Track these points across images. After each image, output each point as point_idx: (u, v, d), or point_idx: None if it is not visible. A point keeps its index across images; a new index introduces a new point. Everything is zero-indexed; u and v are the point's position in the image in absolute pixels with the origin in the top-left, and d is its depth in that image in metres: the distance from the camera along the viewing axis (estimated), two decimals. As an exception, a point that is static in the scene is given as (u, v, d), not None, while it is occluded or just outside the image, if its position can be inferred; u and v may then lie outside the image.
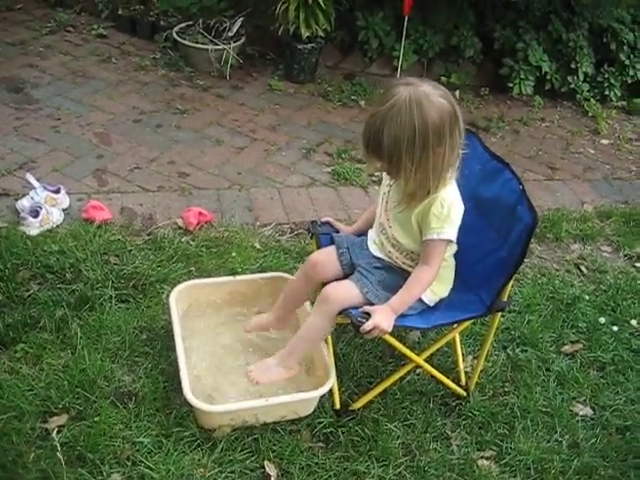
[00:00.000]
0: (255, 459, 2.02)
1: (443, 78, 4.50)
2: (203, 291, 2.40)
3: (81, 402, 2.08)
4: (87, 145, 3.43)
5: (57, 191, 2.92)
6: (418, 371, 2.38)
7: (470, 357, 2.48)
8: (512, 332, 2.59)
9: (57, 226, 2.82)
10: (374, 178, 3.51)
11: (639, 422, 2.32)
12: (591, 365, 2.54)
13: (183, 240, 2.84)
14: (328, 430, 2.13)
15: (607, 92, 4.64)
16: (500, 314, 2.16)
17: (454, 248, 2.02)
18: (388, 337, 2.04)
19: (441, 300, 2.11)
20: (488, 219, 2.08)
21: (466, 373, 2.38)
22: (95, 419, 2.03)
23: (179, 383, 2.13)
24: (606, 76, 4.64)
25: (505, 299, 2.08)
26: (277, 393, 2.10)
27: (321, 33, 4.17)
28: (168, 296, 2.37)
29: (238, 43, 4.29)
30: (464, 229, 1.96)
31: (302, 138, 3.80)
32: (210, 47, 4.18)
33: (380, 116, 1.80)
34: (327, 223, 2.32)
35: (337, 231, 2.29)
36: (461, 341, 2.43)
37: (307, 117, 4.03)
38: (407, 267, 2.06)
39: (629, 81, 4.67)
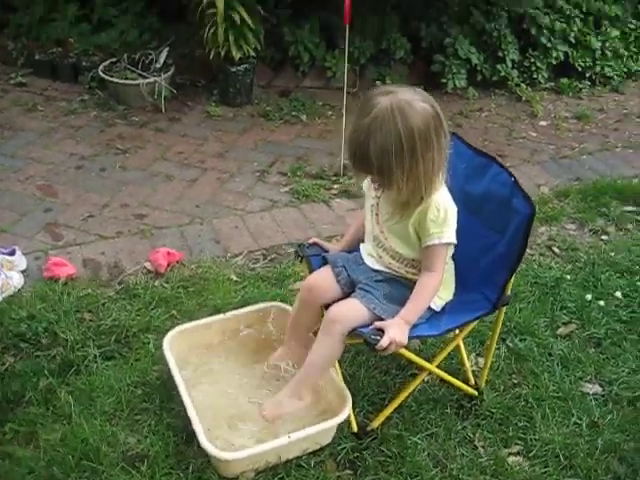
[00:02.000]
0: (286, 500, 1.93)
1: (378, 82, 4.51)
2: (195, 335, 2.28)
3: (89, 475, 1.94)
4: (31, 200, 3.24)
5: (12, 253, 2.74)
6: (427, 378, 2.34)
7: (473, 355, 2.46)
8: (507, 323, 2.58)
9: (19, 290, 2.64)
10: (334, 191, 3.47)
11: (647, 391, 2.37)
12: (588, 343, 2.56)
13: (157, 284, 2.72)
14: (352, 455, 2.06)
15: (535, 76, 4.76)
16: (504, 310, 2.15)
17: (452, 250, 1.98)
18: (403, 350, 1.99)
19: (446, 303, 2.08)
20: (480, 216, 2.05)
21: (473, 372, 2.36)
22: (108, 491, 1.90)
23: (189, 435, 2.04)
24: (532, 60, 4.76)
25: (508, 293, 2.07)
26: (289, 427, 2.00)
27: (252, 53, 4.11)
28: (158, 346, 2.25)
29: (168, 74, 4.17)
30: (457, 230, 1.94)
31: (252, 161, 3.72)
32: (140, 81, 4.05)
33: (363, 129, 1.75)
34: (315, 244, 2.25)
35: (326, 251, 2.23)
36: (463, 340, 2.41)
37: (252, 139, 3.95)
38: (411, 276, 2.02)
39: (554, 62, 4.81)
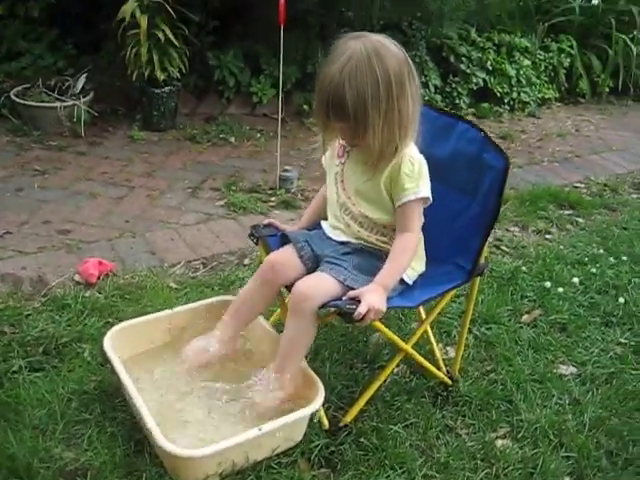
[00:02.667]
0: (257, 505, 1.67)
1: (305, 106, 4.45)
2: (139, 332, 2.01)
3: (20, 494, 1.61)
4: None
5: None
6: (396, 370, 2.17)
7: (441, 345, 2.30)
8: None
9: None
10: (271, 203, 3.31)
11: (619, 368, 2.28)
12: (553, 328, 2.47)
13: (88, 294, 2.42)
14: (327, 452, 1.83)
15: (457, 101, 4.86)
16: (478, 281, 2.02)
17: (426, 205, 1.84)
18: (379, 324, 1.81)
19: (418, 277, 1.93)
20: (447, 180, 1.93)
21: (444, 361, 2.20)
22: (45, 510, 1.58)
23: (138, 443, 1.78)
24: (453, 86, 4.86)
25: (483, 261, 1.95)
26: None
27: (177, 74, 3.96)
28: (94, 356, 2.00)
29: (87, 98, 3.94)
30: None
31: (183, 179, 3.51)
32: (58, 104, 3.79)
33: (337, 73, 1.64)
34: (270, 225, 2.07)
35: (283, 232, 2.04)
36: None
37: (181, 160, 3.75)
38: (381, 244, 1.86)
39: (474, 88, 4.94)
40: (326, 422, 1.89)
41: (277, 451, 1.79)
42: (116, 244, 2.82)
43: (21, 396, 1.90)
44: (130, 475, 1.69)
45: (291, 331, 1.80)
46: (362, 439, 1.87)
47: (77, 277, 2.53)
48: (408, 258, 1.79)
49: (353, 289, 1.76)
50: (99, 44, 4.40)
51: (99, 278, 2.52)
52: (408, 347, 1.94)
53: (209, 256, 2.81)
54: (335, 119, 1.70)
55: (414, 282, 1.92)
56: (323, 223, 2.00)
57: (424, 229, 1.91)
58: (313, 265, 1.88)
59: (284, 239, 1.97)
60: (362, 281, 1.78)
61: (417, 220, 1.79)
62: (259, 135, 4.20)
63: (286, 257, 1.90)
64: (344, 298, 1.73)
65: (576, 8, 5.57)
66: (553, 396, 2.12)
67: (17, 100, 3.85)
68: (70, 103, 3.84)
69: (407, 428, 1.94)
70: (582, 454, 1.89)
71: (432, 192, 1.81)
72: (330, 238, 1.93)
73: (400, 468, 1.79)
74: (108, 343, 1.90)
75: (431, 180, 1.82)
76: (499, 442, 1.92)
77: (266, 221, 2.08)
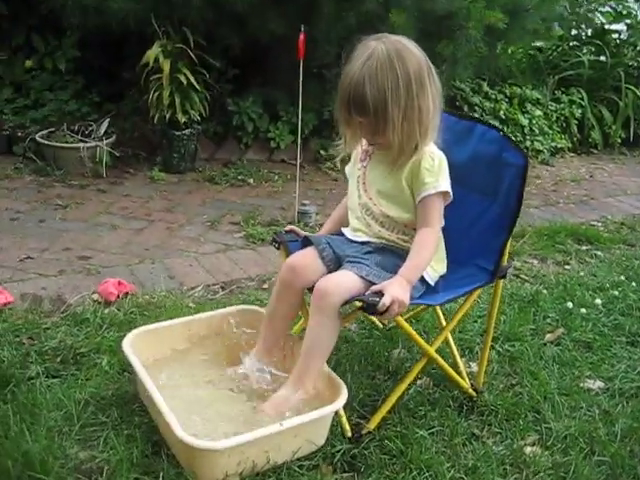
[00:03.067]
0: (278, 507, 1.60)
1: (322, 152, 4.53)
2: (160, 337, 1.99)
3: (34, 489, 1.57)
4: (-42, 246, 2.93)
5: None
6: (419, 383, 2.12)
7: (463, 360, 2.25)
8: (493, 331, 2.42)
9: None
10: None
11: (649, 384, 2.22)
12: (578, 346, 2.42)
13: (106, 311, 2.41)
14: (350, 457, 1.78)
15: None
16: (502, 283, 2.00)
17: (448, 201, 1.85)
18: (403, 322, 1.80)
19: (441, 278, 1.92)
20: (468, 183, 1.95)
21: (467, 374, 2.15)
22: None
23: (155, 445, 1.74)
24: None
25: (505, 263, 1.94)
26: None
27: (197, 118, 4.06)
28: (112, 365, 2.00)
29: (110, 140, 4.04)
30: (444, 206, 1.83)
31: (202, 214, 3.55)
32: (81, 145, 3.89)
33: (358, 70, 1.71)
34: (292, 232, 2.08)
35: (305, 237, 2.04)
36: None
37: (200, 198, 3.80)
38: (402, 243, 1.86)
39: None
40: (348, 428, 1.84)
41: (298, 454, 1.73)
42: (135, 269, 2.83)
43: (37, 400, 1.87)
44: (147, 474, 1.64)
45: (313, 330, 1.77)
46: (386, 443, 1.81)
47: (96, 296, 2.53)
48: (430, 252, 1.78)
49: (375, 285, 1.75)
50: (122, 93, 4.56)
51: (118, 297, 2.52)
52: (432, 349, 1.90)
53: (228, 281, 2.80)
54: (356, 114, 1.74)
55: (436, 283, 1.90)
56: (344, 229, 2.01)
57: (445, 233, 1.91)
58: (335, 266, 1.88)
59: (306, 244, 1.97)
60: (384, 277, 1.77)
61: (437, 215, 1.80)
62: (277, 177, 4.26)
63: (307, 259, 1.89)
64: (367, 292, 1.72)
65: (585, 62, 5.71)
66: (581, 408, 2.05)
67: (41, 141, 3.95)
68: (93, 144, 3.94)
69: (432, 435, 1.88)
70: (616, 462, 1.82)
71: (453, 195, 1.83)
72: (351, 240, 1.93)
73: (427, 471, 1.73)
74: (127, 345, 1.88)
75: (452, 184, 1.83)
76: (528, 449, 1.85)
77: (288, 227, 2.09)
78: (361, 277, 1.77)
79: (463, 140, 1.97)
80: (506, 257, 1.94)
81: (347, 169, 2.04)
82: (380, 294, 1.68)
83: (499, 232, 1.89)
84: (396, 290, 1.67)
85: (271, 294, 1.97)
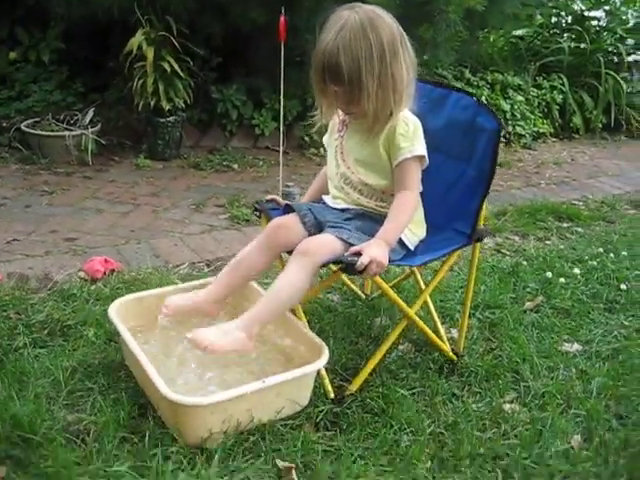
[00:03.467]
0: (264, 461, 1.64)
1: (306, 138, 4.58)
2: (145, 305, 2.02)
3: (23, 448, 1.60)
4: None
5: None
6: (401, 348, 2.17)
7: (444, 327, 2.30)
8: (472, 300, 2.46)
9: None
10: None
11: (624, 345, 2.27)
12: (557, 313, 2.48)
13: (93, 287, 2.45)
14: (333, 417, 1.82)
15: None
16: (479, 248, 2.05)
17: (424, 165, 1.89)
18: (382, 283, 1.84)
19: (420, 242, 1.97)
20: (443, 149, 2.00)
21: (448, 340, 2.20)
22: (47, 463, 1.55)
23: (142, 407, 1.78)
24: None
25: (482, 226, 1.99)
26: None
27: (182, 105, 4.09)
28: (99, 336, 2.06)
29: (95, 129, 4.06)
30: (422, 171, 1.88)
31: (187, 198, 3.58)
32: (67, 134, 3.91)
33: (332, 39, 1.73)
34: (273, 200, 2.12)
35: (286, 204, 2.08)
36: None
37: (185, 183, 3.83)
38: (381, 209, 1.90)
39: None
40: (330, 389, 1.88)
41: (282, 414, 1.77)
42: (121, 249, 2.86)
43: (25, 368, 1.90)
44: (134, 434, 1.68)
45: (285, 276, 1.77)
46: (368, 402, 1.86)
47: (82, 274, 2.56)
48: (407, 215, 1.82)
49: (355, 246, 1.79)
50: (107, 83, 4.58)
51: (105, 274, 2.55)
52: (411, 311, 1.95)
53: (213, 259, 2.84)
54: (331, 83, 1.77)
55: (415, 248, 1.95)
56: (324, 197, 2.05)
57: (423, 198, 1.96)
58: (316, 231, 1.91)
59: (287, 212, 2.01)
60: (364, 240, 1.81)
61: (415, 178, 1.84)
62: (262, 163, 4.30)
63: (290, 222, 1.93)
64: (346, 254, 1.76)
65: (565, 49, 5.78)
66: (559, 368, 2.11)
67: (26, 130, 3.97)
68: (78, 132, 3.95)
69: (413, 395, 1.93)
70: (591, 416, 1.87)
71: (429, 162, 1.87)
72: (332, 207, 1.98)
73: (408, 428, 1.77)
74: (113, 312, 1.92)
75: (428, 150, 1.87)
76: (507, 406, 1.91)
77: (269, 197, 2.13)
78: (342, 240, 1.81)
79: (439, 107, 2.02)
80: (482, 220, 1.98)
81: (325, 139, 2.08)
82: (359, 255, 1.72)
83: (474, 195, 1.93)
84: (374, 250, 1.72)
85: (247, 246, 1.97)
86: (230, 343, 1.71)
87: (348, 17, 1.74)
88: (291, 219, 1.93)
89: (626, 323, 2.43)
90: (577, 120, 5.74)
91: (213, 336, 1.70)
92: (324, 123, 1.99)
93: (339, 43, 1.72)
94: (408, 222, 1.84)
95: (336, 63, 1.72)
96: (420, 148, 1.82)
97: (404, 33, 1.81)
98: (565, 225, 3.54)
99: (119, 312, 1.93)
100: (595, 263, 2.87)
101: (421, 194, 1.93)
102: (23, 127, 4.00)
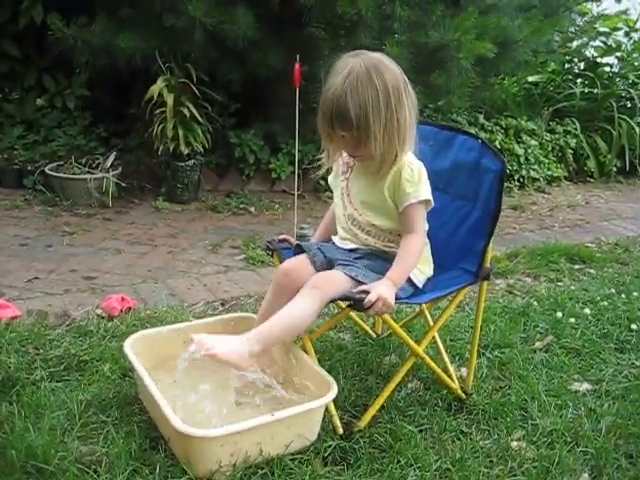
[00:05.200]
0: (271, 495, 1.67)
1: (322, 182, 4.66)
2: (160, 341, 2.07)
3: (36, 478, 1.65)
4: (-31, 268, 3.04)
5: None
6: (410, 386, 2.19)
7: (453, 366, 2.32)
8: (483, 339, 2.49)
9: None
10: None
11: (634, 384, 2.27)
12: (567, 352, 2.48)
13: (110, 325, 2.51)
14: (340, 452, 1.84)
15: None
16: (485, 286, 2.08)
17: (429, 208, 1.95)
18: (390, 321, 1.88)
19: (428, 280, 2.01)
20: (450, 190, 2.07)
21: (457, 378, 2.22)
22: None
23: (153, 440, 1.81)
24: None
25: (488, 265, 2.03)
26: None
27: (200, 149, 4.22)
28: (114, 371, 2.10)
29: (116, 172, 4.19)
30: (429, 211, 1.94)
31: (204, 239, 3.66)
32: (88, 177, 4.04)
33: (339, 86, 1.80)
34: (285, 240, 2.18)
35: (297, 246, 2.14)
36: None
37: (202, 225, 3.92)
38: (389, 249, 1.96)
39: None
40: (339, 425, 1.90)
41: (291, 449, 1.80)
42: (138, 288, 2.93)
43: (41, 401, 1.95)
44: (145, 466, 1.71)
45: (294, 305, 1.82)
46: (376, 438, 1.88)
47: (100, 311, 2.63)
48: (414, 257, 1.87)
49: (364, 284, 1.84)
50: (129, 129, 4.73)
51: (121, 312, 2.61)
52: (419, 348, 1.98)
53: (228, 298, 2.90)
54: (339, 128, 1.84)
55: (423, 285, 1.99)
56: (333, 237, 2.11)
57: (430, 239, 2.01)
58: (326, 269, 1.97)
59: (298, 252, 2.07)
60: (373, 278, 1.87)
61: (420, 222, 1.89)
62: (277, 206, 4.38)
63: (299, 264, 1.99)
64: (355, 290, 1.81)
65: (577, 94, 5.87)
66: (568, 407, 2.11)
67: (50, 173, 4.10)
68: (99, 176, 4.08)
69: (421, 432, 1.94)
70: (600, 454, 1.87)
71: (436, 202, 1.93)
72: (340, 248, 2.03)
73: (415, 463, 1.79)
74: (128, 347, 1.97)
75: (435, 190, 1.93)
76: (514, 443, 1.91)
77: (281, 236, 2.20)
78: (351, 277, 1.86)
79: (445, 149, 2.09)
80: (489, 259, 2.03)
81: (330, 180, 2.15)
82: (367, 293, 1.77)
83: (481, 234, 1.98)
84: (382, 289, 1.77)
85: (265, 296, 2.05)
86: (230, 354, 1.75)
87: (354, 64, 1.81)
88: (300, 261, 1.99)
89: (637, 363, 2.43)
90: (591, 164, 5.78)
91: (217, 343, 1.75)
92: (329, 166, 2.06)
93: (347, 89, 1.78)
94: (415, 264, 1.89)
95: (344, 109, 1.78)
96: (425, 192, 1.87)
97: (406, 78, 1.88)
98: (577, 267, 3.55)
99: (134, 347, 1.98)
100: (606, 303, 2.88)
101: (429, 235, 1.98)
102: (47, 170, 4.14)
